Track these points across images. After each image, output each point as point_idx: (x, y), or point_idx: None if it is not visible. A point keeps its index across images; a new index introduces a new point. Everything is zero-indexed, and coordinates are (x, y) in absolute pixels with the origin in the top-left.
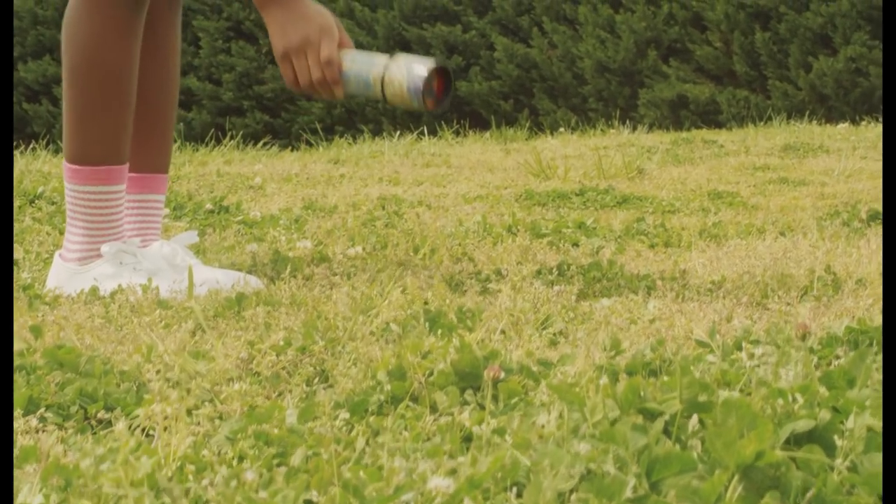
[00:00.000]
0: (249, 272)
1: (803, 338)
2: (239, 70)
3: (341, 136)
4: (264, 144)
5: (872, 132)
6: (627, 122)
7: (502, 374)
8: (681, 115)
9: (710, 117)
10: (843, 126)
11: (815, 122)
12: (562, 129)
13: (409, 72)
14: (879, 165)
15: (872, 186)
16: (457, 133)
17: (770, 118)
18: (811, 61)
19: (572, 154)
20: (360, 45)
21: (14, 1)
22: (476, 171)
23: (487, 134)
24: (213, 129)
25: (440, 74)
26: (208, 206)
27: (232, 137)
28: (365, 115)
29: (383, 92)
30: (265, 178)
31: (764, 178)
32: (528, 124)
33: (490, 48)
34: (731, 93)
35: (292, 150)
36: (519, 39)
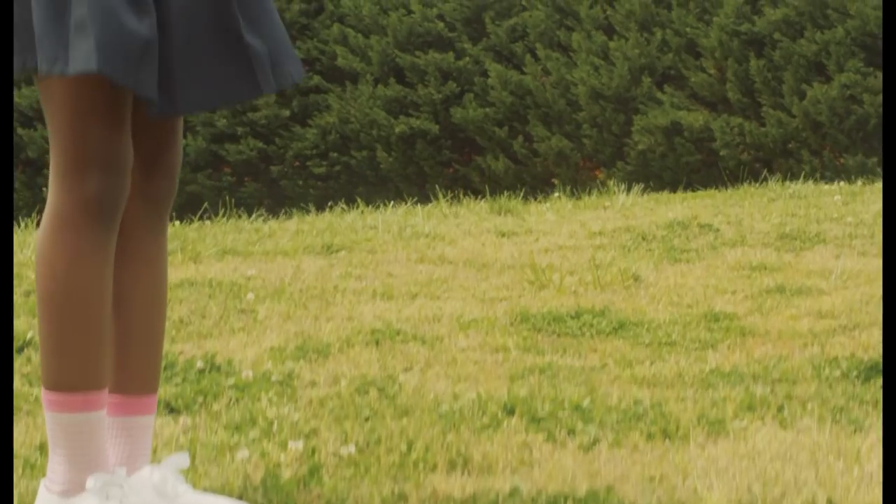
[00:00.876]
0: (240, 496)
1: None
2: None
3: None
4: (259, 216)
5: (869, 206)
6: (621, 171)
7: None
8: (675, 143)
9: (705, 145)
10: (838, 198)
11: (811, 181)
12: (557, 194)
13: None
14: (876, 263)
15: (871, 296)
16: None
17: (765, 179)
18: (805, 89)
19: (567, 244)
20: (353, 72)
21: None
22: (471, 270)
23: (483, 203)
24: (207, 157)
25: None
26: (199, 364)
27: (225, 210)
28: (359, 141)
29: None
30: (258, 293)
31: (761, 284)
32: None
33: (484, 75)
34: (725, 120)
35: (287, 216)
36: (513, 66)
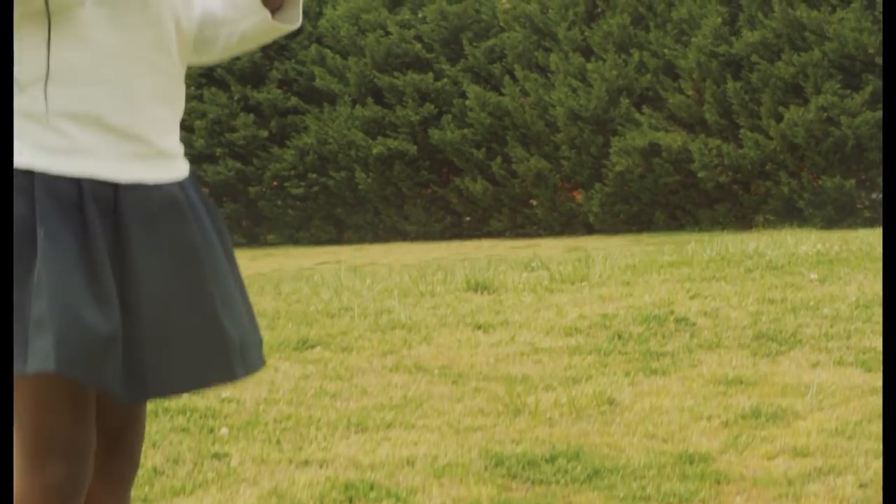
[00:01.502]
0: None
1: None
2: (211, 117)
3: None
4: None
5: (845, 287)
6: (599, 192)
7: None
8: (653, 164)
9: (683, 166)
10: (814, 276)
11: (789, 234)
12: (533, 265)
13: None
14: (851, 374)
15: (846, 422)
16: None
17: (745, 217)
18: (782, 111)
19: (543, 344)
20: (331, 93)
21: None
22: (446, 384)
23: (459, 278)
24: None
25: None
26: None
27: None
28: (337, 162)
29: None
30: (232, 424)
31: (737, 407)
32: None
33: (462, 96)
34: (703, 141)
35: (263, 248)
36: (491, 87)
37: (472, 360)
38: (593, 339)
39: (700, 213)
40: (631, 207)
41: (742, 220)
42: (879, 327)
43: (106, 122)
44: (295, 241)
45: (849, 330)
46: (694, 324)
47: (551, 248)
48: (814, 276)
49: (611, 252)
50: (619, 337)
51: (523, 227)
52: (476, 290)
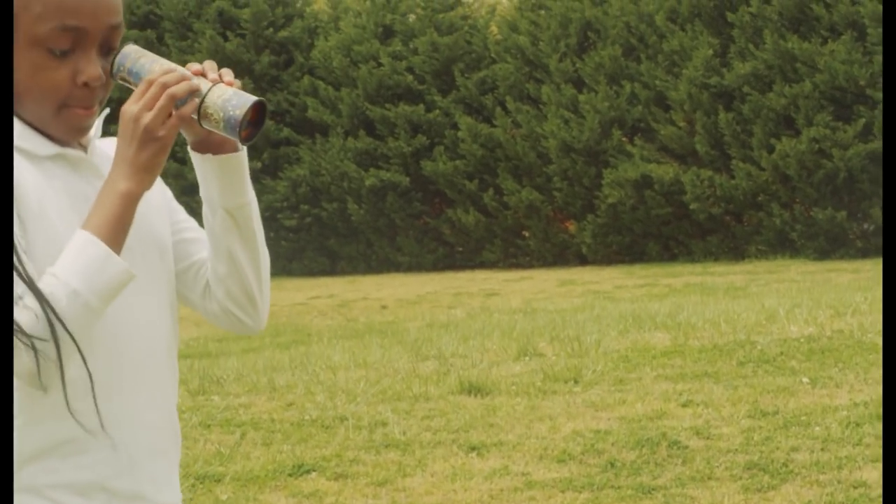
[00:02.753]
0: None
1: None
2: None
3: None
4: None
5: (835, 395)
6: (591, 224)
7: None
8: (645, 196)
9: (675, 197)
10: (806, 380)
11: (781, 264)
12: (527, 357)
13: (225, 107)
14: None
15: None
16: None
17: (739, 250)
18: (774, 142)
19: (536, 476)
20: (323, 124)
21: None
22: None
23: (452, 378)
24: None
25: (255, 107)
26: None
27: None
28: (330, 194)
29: (200, 122)
30: None
31: None
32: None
33: (454, 127)
34: (695, 173)
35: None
36: (483, 119)
37: (465, 498)
38: (586, 467)
39: (693, 244)
40: (623, 238)
41: (734, 251)
42: (870, 452)
43: (109, 487)
44: (288, 273)
45: (840, 458)
46: (686, 447)
47: (544, 281)
48: (805, 379)
49: (605, 337)
50: (612, 466)
51: (516, 257)
52: (469, 393)
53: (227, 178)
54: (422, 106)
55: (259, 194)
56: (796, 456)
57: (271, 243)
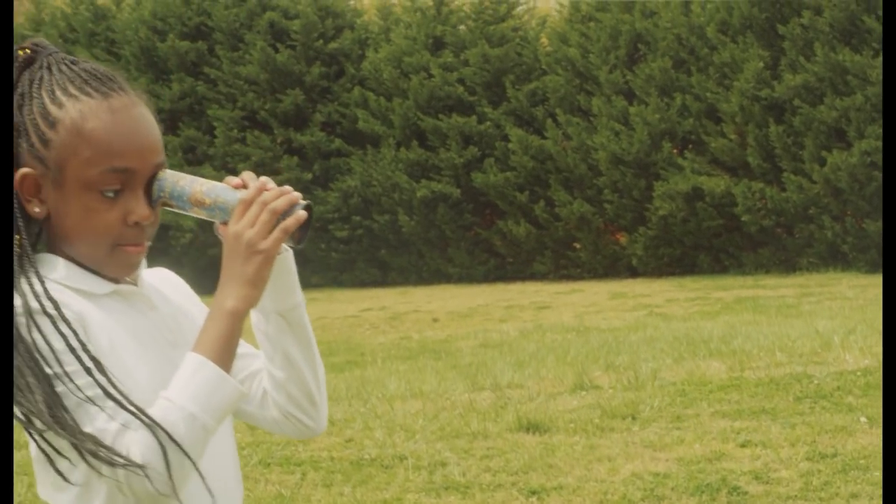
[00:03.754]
0: None
1: None
2: (254, 160)
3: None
4: None
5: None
6: (643, 236)
7: None
8: (696, 208)
9: (726, 209)
10: (864, 419)
11: (833, 277)
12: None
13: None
14: None
15: None
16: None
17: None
18: (825, 155)
19: (594, 495)
20: (375, 136)
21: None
22: None
23: (510, 414)
24: None
25: (308, 211)
26: None
27: None
28: (381, 205)
29: None
30: None
31: None
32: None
33: (505, 139)
34: (746, 185)
35: (307, 290)
36: (533, 130)
37: None
38: None
39: (744, 256)
40: (674, 251)
41: (786, 264)
42: None
43: None
44: (339, 284)
45: None
46: (746, 493)
47: (595, 293)
48: (864, 418)
49: (660, 366)
50: None
51: (566, 269)
52: (527, 431)
53: (280, 280)
54: (473, 117)
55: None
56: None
57: (322, 255)
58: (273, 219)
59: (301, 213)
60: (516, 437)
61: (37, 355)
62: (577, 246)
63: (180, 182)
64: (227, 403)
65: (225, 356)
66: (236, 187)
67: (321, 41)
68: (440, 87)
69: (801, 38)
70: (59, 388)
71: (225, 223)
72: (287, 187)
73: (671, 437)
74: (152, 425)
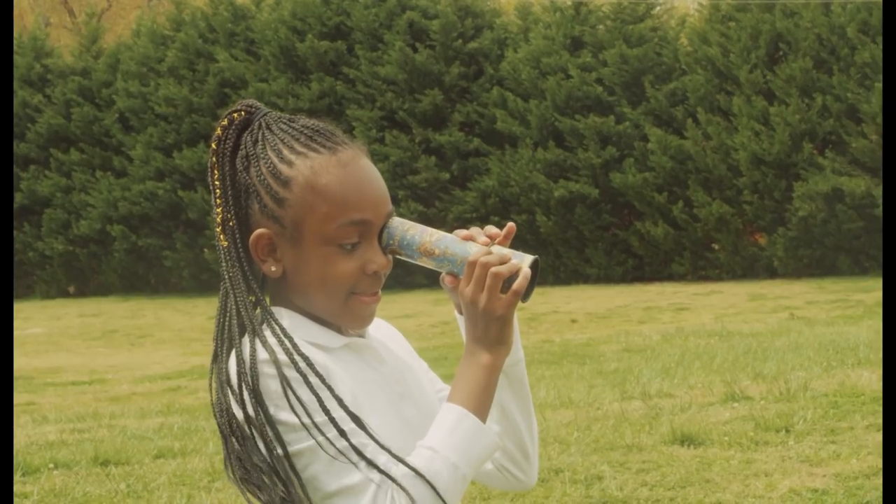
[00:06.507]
0: None
1: None
2: (393, 159)
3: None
4: None
5: None
6: (782, 237)
7: None
8: (836, 209)
9: (867, 211)
10: None
11: None
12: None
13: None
14: None
15: None
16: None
17: None
18: None
19: None
20: (512, 136)
21: (169, 88)
22: None
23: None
24: None
25: (532, 268)
26: None
27: None
28: (519, 205)
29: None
30: None
31: None
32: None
33: (644, 139)
34: None
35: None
36: (672, 130)
37: None
38: None
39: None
40: (814, 252)
41: None
42: None
43: None
44: None
45: None
46: None
47: (734, 295)
48: None
49: (811, 375)
50: None
51: (705, 270)
52: (682, 444)
53: None
54: (611, 117)
55: (448, 205)
56: None
57: None
58: (498, 284)
59: (527, 272)
60: (671, 449)
61: (287, 415)
62: (716, 247)
63: (410, 231)
64: (486, 454)
65: (482, 408)
66: (465, 238)
67: (460, 41)
68: (578, 88)
69: None
70: (306, 445)
71: (452, 274)
72: (507, 254)
73: (827, 451)
74: (419, 475)
